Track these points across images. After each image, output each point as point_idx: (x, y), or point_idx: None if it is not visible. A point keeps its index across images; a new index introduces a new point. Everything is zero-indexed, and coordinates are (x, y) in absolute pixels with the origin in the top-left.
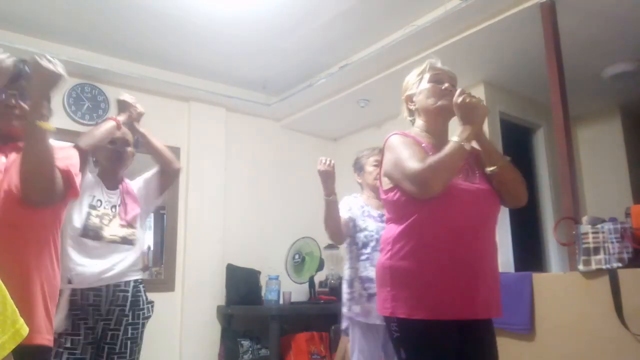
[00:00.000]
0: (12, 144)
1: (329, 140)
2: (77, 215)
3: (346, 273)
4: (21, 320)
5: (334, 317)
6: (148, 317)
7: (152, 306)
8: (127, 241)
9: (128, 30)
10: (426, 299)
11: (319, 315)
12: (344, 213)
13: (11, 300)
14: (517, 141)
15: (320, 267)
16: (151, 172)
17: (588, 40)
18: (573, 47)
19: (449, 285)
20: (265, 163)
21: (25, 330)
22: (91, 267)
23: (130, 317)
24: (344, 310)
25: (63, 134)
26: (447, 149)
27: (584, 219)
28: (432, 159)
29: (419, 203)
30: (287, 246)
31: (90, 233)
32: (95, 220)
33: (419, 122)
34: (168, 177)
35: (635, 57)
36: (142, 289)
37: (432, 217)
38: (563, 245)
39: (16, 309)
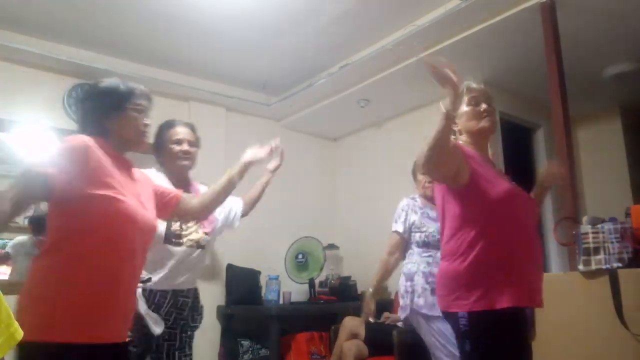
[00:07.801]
0: (128, 163)
1: (329, 140)
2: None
3: (406, 267)
4: (16, 324)
5: (334, 317)
6: (200, 323)
7: (202, 312)
8: (200, 245)
9: (128, 30)
10: (508, 289)
11: (319, 315)
12: (398, 227)
13: (6, 304)
14: (517, 141)
15: (322, 267)
16: (239, 207)
17: (588, 40)
18: (573, 47)
19: (524, 276)
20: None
21: (19, 333)
22: (169, 271)
23: (189, 321)
24: (402, 301)
25: (63, 134)
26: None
27: (584, 219)
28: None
29: (482, 207)
30: (287, 246)
31: (173, 240)
32: (175, 226)
33: (462, 139)
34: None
35: (635, 57)
36: (199, 295)
37: (497, 218)
38: (563, 245)
39: (11, 313)
